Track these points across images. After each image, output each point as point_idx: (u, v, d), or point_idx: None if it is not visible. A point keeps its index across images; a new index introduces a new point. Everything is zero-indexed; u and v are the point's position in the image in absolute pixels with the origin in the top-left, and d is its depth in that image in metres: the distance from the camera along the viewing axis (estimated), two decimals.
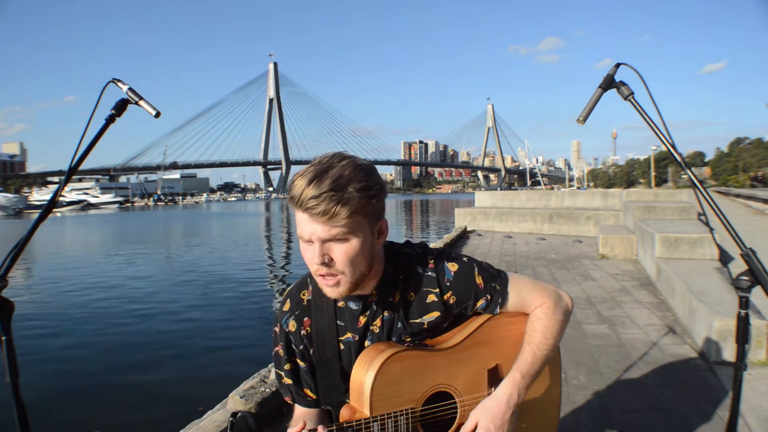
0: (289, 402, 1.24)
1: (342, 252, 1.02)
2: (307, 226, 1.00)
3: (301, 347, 1.18)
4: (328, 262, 1.02)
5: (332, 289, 1.06)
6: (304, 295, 1.20)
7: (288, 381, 1.20)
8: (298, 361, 1.20)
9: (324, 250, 1.02)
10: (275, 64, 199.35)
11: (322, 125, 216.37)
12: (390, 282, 1.15)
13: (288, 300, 1.21)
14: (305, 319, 1.18)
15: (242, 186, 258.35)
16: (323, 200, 0.96)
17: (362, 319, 1.16)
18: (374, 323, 1.16)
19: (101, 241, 26.01)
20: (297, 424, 1.06)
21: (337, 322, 1.17)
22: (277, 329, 1.21)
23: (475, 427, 1.13)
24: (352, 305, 1.16)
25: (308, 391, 1.21)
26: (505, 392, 1.15)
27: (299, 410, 1.23)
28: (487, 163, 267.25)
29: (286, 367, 1.20)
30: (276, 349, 1.21)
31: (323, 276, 1.04)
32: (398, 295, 1.16)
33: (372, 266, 1.09)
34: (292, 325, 1.18)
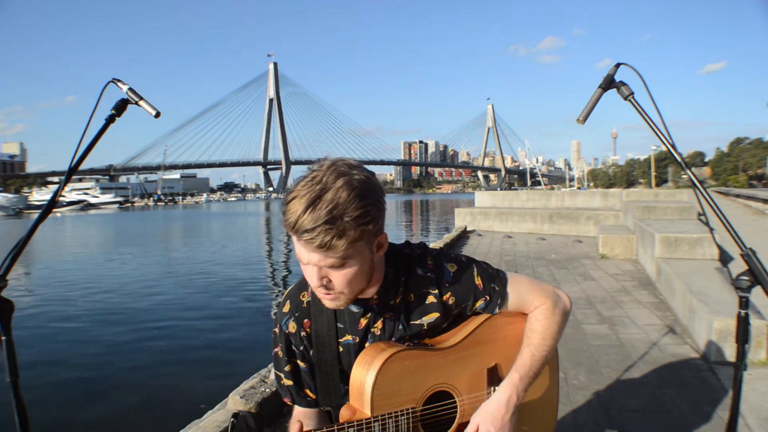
0: (288, 403, 1.24)
1: (340, 276, 1.02)
2: (304, 254, 0.99)
3: (302, 348, 1.18)
4: (327, 284, 1.03)
5: (331, 302, 1.07)
6: (303, 296, 1.20)
7: (288, 382, 1.20)
8: (299, 362, 1.19)
9: (322, 274, 1.01)
10: (275, 64, 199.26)
11: (322, 125, 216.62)
12: (391, 285, 1.15)
13: (288, 301, 1.21)
14: (305, 320, 1.18)
15: (242, 186, 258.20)
16: (318, 234, 0.93)
17: (363, 321, 1.16)
18: (375, 325, 1.16)
19: (101, 241, 26.01)
20: (295, 424, 1.06)
21: (337, 324, 1.17)
22: (276, 330, 1.21)
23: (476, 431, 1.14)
24: (354, 308, 1.15)
25: (308, 392, 1.21)
26: (505, 394, 1.16)
27: (298, 410, 1.23)
28: (487, 163, 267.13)
29: (286, 368, 1.20)
30: (275, 350, 1.21)
31: (322, 293, 1.05)
32: (399, 297, 1.16)
33: (371, 279, 1.09)
34: (291, 327, 1.18)
